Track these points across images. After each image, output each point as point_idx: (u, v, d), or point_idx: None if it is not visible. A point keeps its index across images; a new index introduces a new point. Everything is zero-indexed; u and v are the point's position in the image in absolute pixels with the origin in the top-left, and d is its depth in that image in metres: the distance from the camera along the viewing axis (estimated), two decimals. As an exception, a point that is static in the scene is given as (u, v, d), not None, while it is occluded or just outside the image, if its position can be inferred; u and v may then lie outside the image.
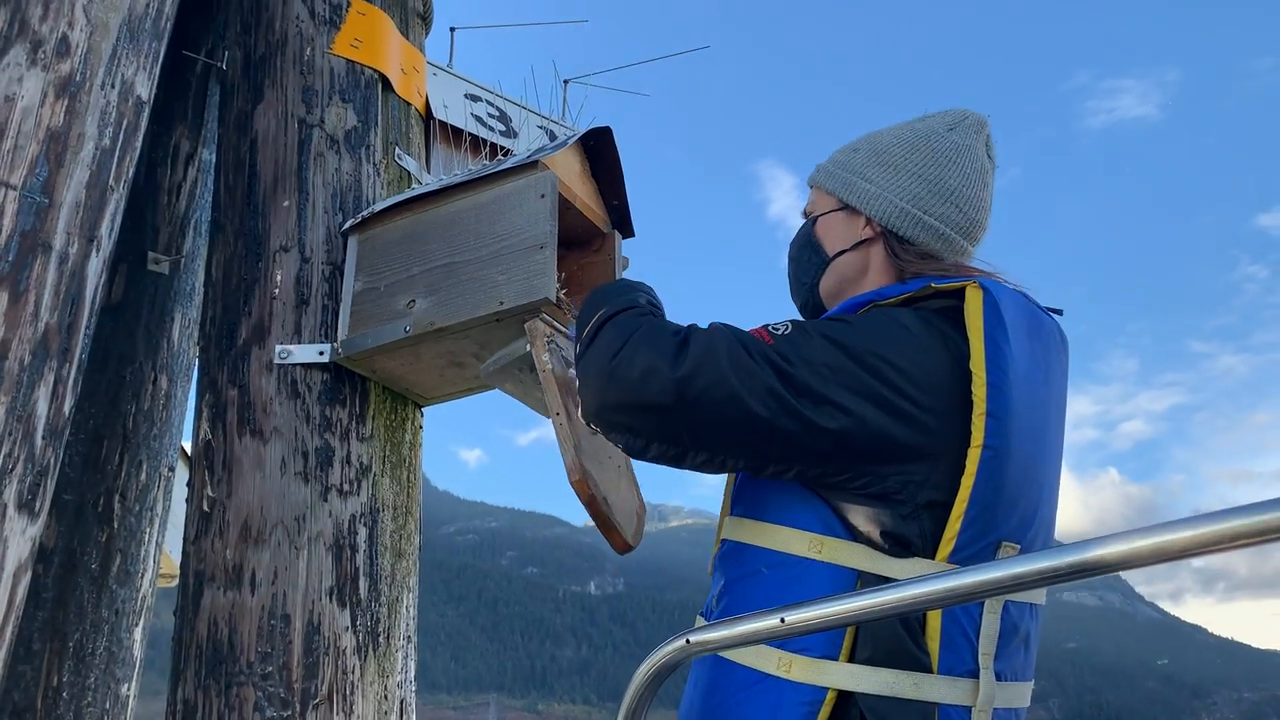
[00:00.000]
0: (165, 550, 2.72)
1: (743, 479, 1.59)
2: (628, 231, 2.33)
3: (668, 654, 1.24)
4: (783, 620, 1.13)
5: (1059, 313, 1.63)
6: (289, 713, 1.90)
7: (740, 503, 1.57)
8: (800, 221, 1.82)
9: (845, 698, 1.35)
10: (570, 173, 2.18)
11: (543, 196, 2.01)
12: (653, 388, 1.38)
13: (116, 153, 2.04)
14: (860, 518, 1.40)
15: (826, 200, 1.73)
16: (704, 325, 1.48)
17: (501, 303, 1.96)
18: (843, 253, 1.68)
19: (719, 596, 1.53)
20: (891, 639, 1.34)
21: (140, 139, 2.13)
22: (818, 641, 1.37)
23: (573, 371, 1.99)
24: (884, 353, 1.40)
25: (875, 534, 1.38)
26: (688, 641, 1.22)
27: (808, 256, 1.72)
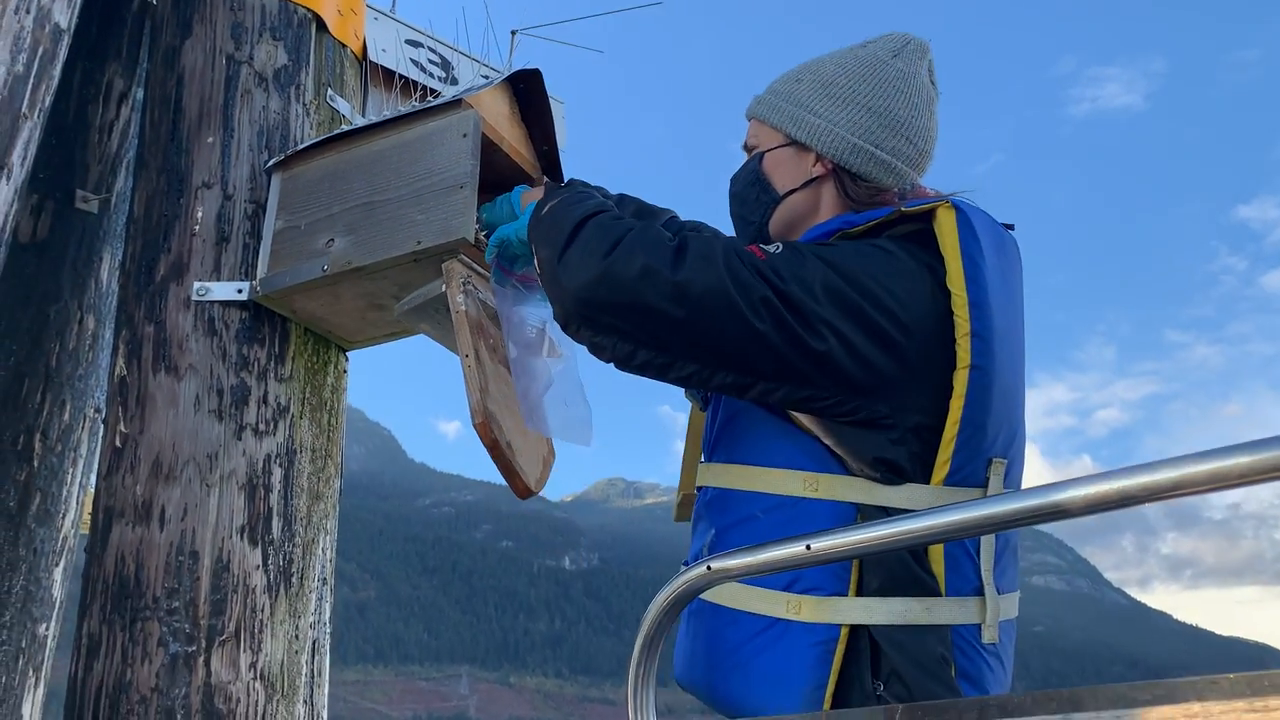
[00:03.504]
0: (91, 491, 2.69)
1: (721, 424, 1.56)
2: (558, 178, 2.30)
3: (689, 580, 1.20)
4: (809, 547, 1.10)
5: (1011, 228, 1.62)
6: (194, 648, 1.89)
7: (721, 449, 1.55)
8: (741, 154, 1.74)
9: (858, 631, 1.35)
10: (498, 115, 2.15)
11: (464, 136, 1.98)
12: (650, 289, 1.35)
13: (30, 80, 2.00)
14: (850, 444, 1.40)
15: (772, 135, 1.65)
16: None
17: (419, 242, 1.94)
18: (793, 191, 1.62)
19: (711, 545, 1.50)
20: (898, 566, 1.35)
21: (58, 68, 2.09)
22: (825, 579, 1.36)
23: (494, 312, 1.96)
24: (874, 275, 1.39)
25: (866, 460, 1.38)
26: (709, 568, 1.18)
27: (755, 195, 1.66)
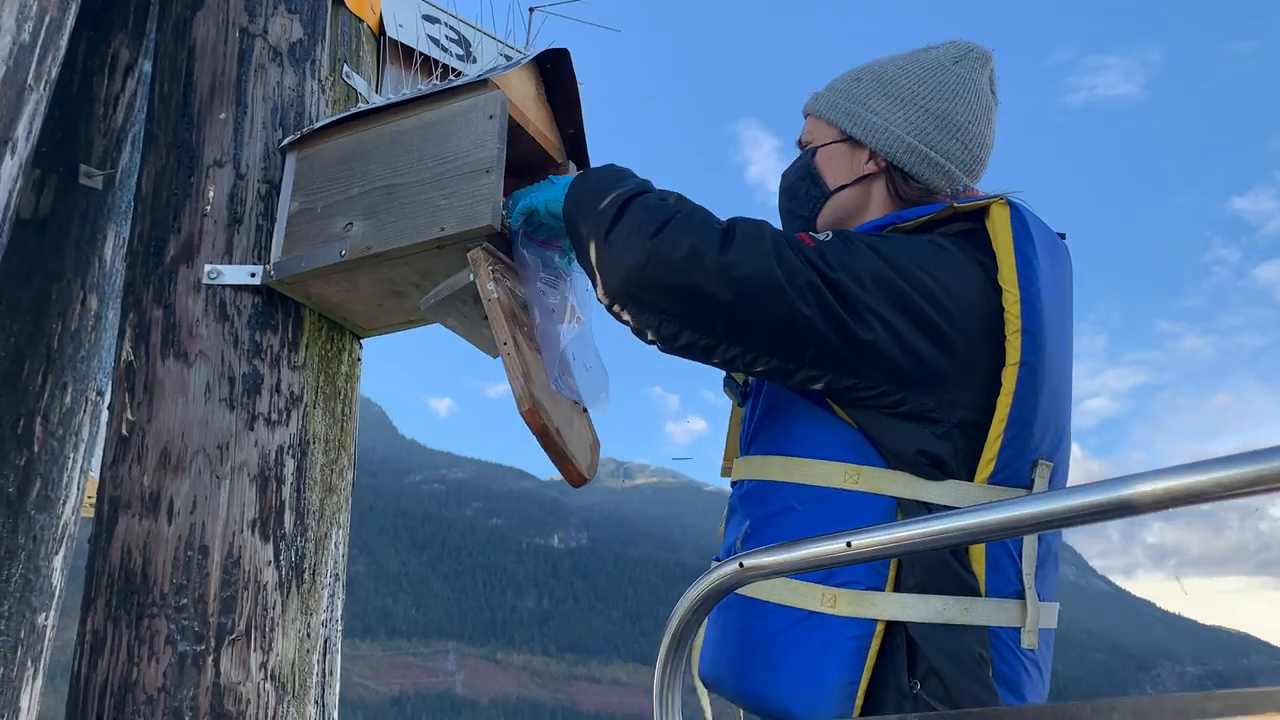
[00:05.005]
0: (93, 476, 2.61)
1: (760, 416, 1.54)
2: (583, 162, 2.22)
3: (720, 577, 1.14)
4: (849, 544, 1.05)
5: (1063, 236, 1.60)
6: (202, 647, 1.81)
7: (759, 441, 1.53)
8: (795, 151, 1.74)
9: (894, 627, 1.32)
10: (524, 96, 2.06)
11: (491, 118, 1.90)
12: (697, 270, 1.34)
13: (37, 50, 1.91)
14: (894, 437, 1.37)
15: (827, 131, 1.66)
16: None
17: (442, 229, 1.85)
18: (844, 187, 1.62)
19: (745, 537, 1.48)
20: (939, 564, 1.32)
21: (65, 38, 1.99)
22: (863, 573, 1.34)
23: (523, 301, 1.89)
24: (925, 266, 1.38)
25: (910, 453, 1.35)
26: (741, 565, 1.12)
27: (806, 189, 1.66)
